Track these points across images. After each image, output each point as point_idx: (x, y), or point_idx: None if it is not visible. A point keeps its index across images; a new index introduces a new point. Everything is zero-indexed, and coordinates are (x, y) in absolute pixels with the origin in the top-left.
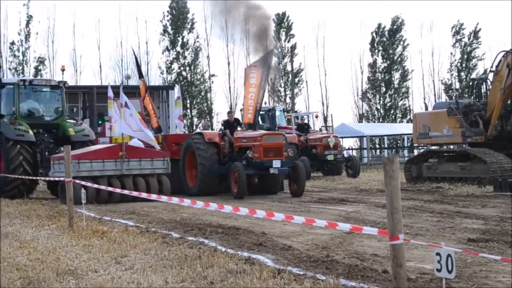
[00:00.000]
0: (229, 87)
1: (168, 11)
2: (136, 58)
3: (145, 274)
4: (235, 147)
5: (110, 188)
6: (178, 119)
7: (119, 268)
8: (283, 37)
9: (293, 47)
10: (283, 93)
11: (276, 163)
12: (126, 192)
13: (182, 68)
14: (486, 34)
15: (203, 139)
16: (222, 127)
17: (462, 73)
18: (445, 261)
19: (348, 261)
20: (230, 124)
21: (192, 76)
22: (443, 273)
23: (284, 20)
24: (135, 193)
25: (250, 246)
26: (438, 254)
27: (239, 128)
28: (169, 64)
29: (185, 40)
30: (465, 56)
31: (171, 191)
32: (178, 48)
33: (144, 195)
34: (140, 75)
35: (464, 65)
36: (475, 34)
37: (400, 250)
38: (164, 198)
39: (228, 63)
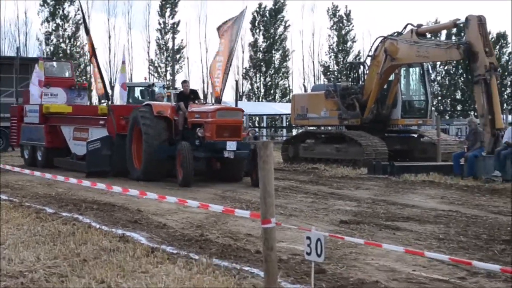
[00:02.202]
0: (109, 61)
1: None
2: (82, 13)
3: (17, 250)
4: (189, 124)
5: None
6: (121, 87)
7: None
8: (167, 13)
9: (176, 24)
10: (163, 69)
11: (231, 145)
12: None
13: (61, 40)
14: (362, 17)
15: (151, 112)
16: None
17: (340, 55)
18: (315, 245)
19: (222, 240)
20: (186, 96)
21: (71, 49)
22: (313, 256)
23: None
24: (8, 167)
25: (124, 223)
26: (308, 238)
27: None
28: (48, 36)
29: (65, 12)
30: (341, 39)
31: (116, 173)
32: (58, 20)
33: (8, 167)
34: (87, 32)
35: (340, 47)
36: (347, 16)
37: (271, 233)
38: (37, 173)
39: (109, 37)
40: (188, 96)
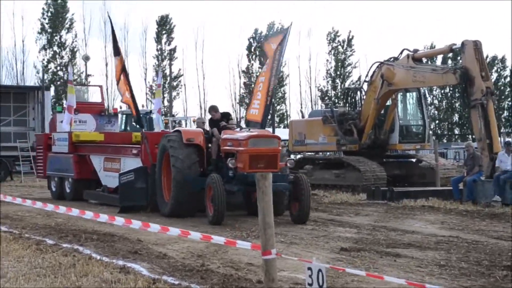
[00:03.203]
0: (107, 88)
1: (44, 9)
2: (113, 30)
3: (18, 283)
4: (222, 152)
5: None
6: (157, 113)
7: None
8: (163, 40)
9: (173, 50)
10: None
11: None
12: None
13: (58, 68)
14: (359, 42)
15: (180, 139)
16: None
17: (337, 80)
18: (316, 275)
19: (223, 270)
20: (217, 122)
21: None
22: (315, 287)
23: (166, 23)
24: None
25: (125, 254)
26: (309, 268)
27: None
28: (46, 64)
29: (63, 39)
30: (339, 64)
31: (152, 208)
32: (55, 48)
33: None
34: (116, 52)
35: (338, 72)
36: (349, 41)
37: (272, 264)
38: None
39: (106, 64)
40: (220, 121)
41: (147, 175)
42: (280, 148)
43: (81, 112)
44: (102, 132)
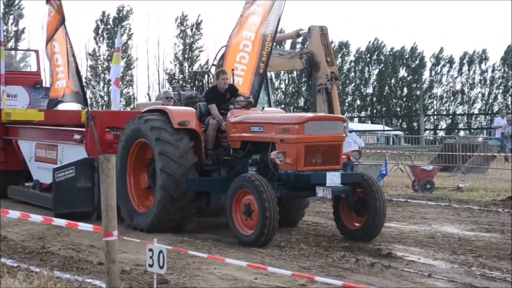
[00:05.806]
0: None
1: None
2: None
3: None
4: (231, 140)
5: None
6: (114, 84)
7: None
8: (10, 21)
9: (21, 31)
10: None
11: (333, 178)
12: None
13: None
14: (208, 26)
15: (168, 121)
16: (204, 100)
17: (185, 64)
18: (157, 257)
19: (64, 252)
20: (220, 95)
21: None
22: (155, 268)
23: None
24: None
25: None
26: (150, 250)
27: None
28: None
29: None
30: (188, 47)
31: (99, 216)
32: None
33: None
34: None
35: (186, 55)
36: (197, 25)
37: (113, 246)
38: None
39: None
40: (224, 95)
41: (93, 169)
42: (344, 135)
43: (10, 83)
44: (42, 110)
